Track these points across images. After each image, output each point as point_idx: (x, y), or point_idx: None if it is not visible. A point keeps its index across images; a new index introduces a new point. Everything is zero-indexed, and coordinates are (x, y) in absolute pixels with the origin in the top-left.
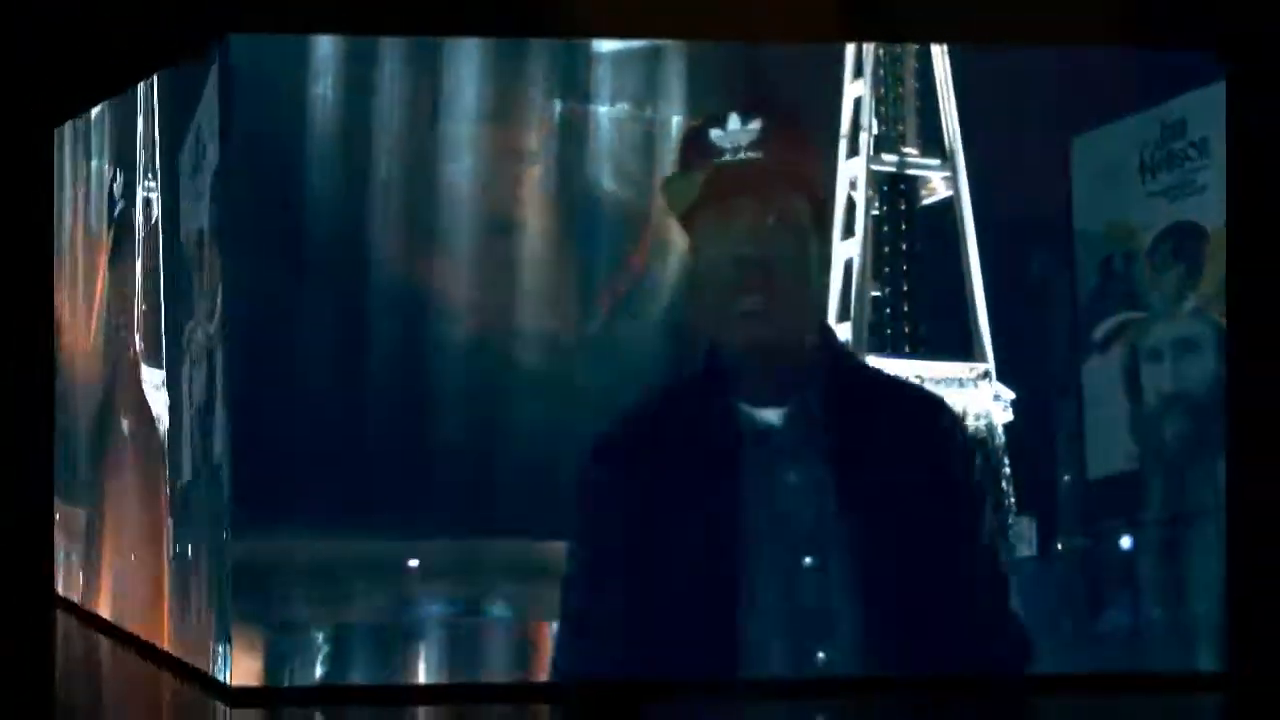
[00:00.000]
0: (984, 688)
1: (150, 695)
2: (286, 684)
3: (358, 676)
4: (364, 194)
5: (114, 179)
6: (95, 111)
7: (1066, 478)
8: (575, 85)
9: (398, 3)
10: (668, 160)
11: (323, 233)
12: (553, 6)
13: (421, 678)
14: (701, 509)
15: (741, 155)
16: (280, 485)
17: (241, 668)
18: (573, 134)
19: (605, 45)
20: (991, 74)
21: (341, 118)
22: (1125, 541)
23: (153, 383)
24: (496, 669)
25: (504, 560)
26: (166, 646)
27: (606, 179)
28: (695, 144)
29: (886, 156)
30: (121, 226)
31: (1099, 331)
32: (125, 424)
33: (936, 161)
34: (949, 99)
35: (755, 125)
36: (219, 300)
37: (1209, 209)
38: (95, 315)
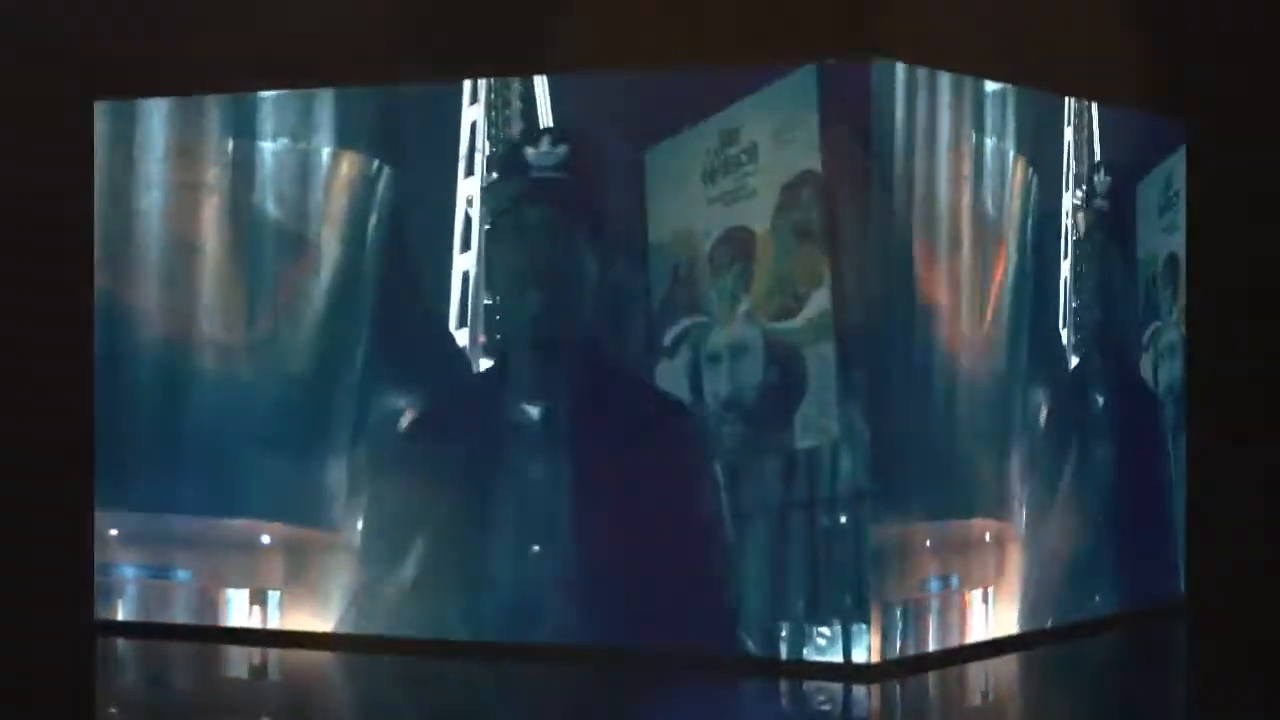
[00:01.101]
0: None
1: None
2: (890, 658)
3: (912, 648)
4: (909, 210)
5: None
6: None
7: None
8: (980, 120)
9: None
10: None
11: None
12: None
13: (931, 645)
14: None
15: None
16: (883, 474)
17: (873, 643)
18: (977, 163)
19: (990, 85)
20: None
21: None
22: None
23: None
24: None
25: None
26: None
27: (987, 204)
28: None
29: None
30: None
31: (1144, 336)
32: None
33: None
34: None
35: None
36: None
37: (1182, 243)
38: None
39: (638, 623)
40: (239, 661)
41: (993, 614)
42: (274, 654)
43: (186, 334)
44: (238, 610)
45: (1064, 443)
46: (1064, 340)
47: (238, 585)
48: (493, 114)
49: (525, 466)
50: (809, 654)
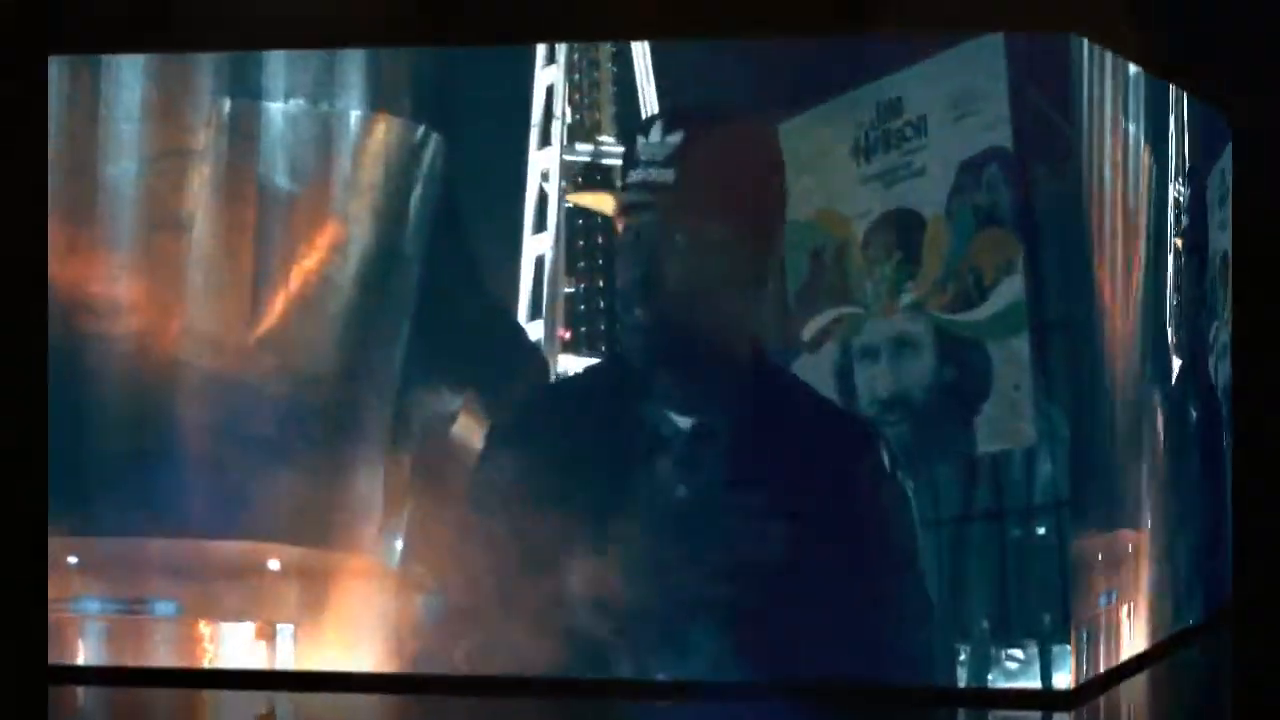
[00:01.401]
0: None
1: None
2: (1082, 681)
3: (1090, 671)
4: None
5: None
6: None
7: None
8: (1126, 103)
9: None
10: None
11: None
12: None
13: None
14: None
15: None
16: (1079, 481)
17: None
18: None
19: (1132, 67)
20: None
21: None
22: None
23: None
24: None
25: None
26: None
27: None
28: None
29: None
30: None
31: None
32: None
33: None
34: None
35: None
36: None
37: (1230, 241)
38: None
39: (800, 654)
40: (240, 710)
41: (1132, 630)
42: (285, 699)
43: (168, 327)
44: (237, 648)
45: (1177, 448)
46: (1169, 340)
47: (237, 619)
48: (576, 76)
49: (670, 481)
50: (995, 680)
